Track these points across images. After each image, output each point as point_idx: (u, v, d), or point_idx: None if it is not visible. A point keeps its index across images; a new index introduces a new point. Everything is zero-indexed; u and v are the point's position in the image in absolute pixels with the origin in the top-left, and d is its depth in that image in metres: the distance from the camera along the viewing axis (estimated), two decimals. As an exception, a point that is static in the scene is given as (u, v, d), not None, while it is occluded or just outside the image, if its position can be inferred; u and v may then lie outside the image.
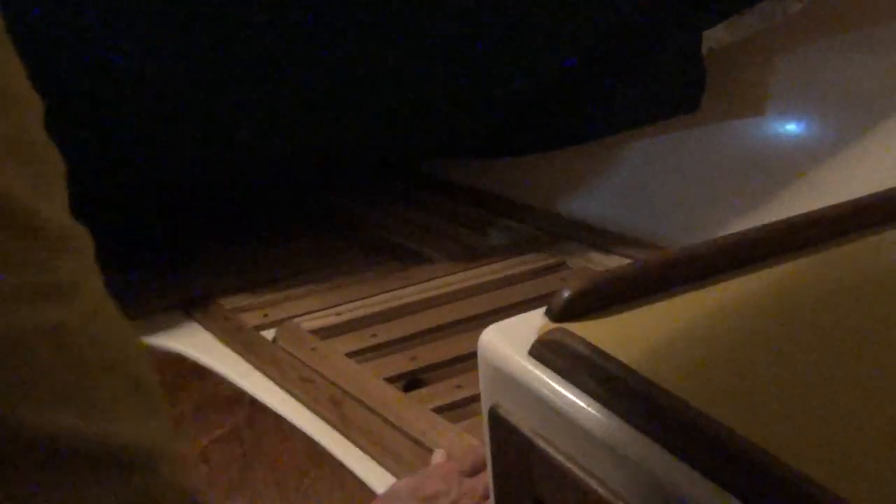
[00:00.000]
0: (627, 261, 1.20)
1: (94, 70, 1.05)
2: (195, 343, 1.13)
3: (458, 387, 0.97)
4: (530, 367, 0.47)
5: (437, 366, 1.04)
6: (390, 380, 1.00)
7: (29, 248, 0.27)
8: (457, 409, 0.94)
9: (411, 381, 1.02)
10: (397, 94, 1.28)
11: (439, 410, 0.93)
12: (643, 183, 1.46)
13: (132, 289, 1.26)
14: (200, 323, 1.18)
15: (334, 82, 1.20)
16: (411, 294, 1.21)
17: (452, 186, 1.69)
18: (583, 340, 0.47)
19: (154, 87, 1.09)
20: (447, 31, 1.19)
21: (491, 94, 1.37)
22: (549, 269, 1.30)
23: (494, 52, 1.27)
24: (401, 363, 1.04)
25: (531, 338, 0.49)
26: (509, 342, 0.50)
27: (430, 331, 1.12)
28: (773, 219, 0.57)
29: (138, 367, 0.31)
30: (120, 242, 1.36)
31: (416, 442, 0.86)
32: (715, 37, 1.28)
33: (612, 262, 1.30)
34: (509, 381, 0.48)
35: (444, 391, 0.98)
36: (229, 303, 1.22)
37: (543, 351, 0.48)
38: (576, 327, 0.49)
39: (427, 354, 1.06)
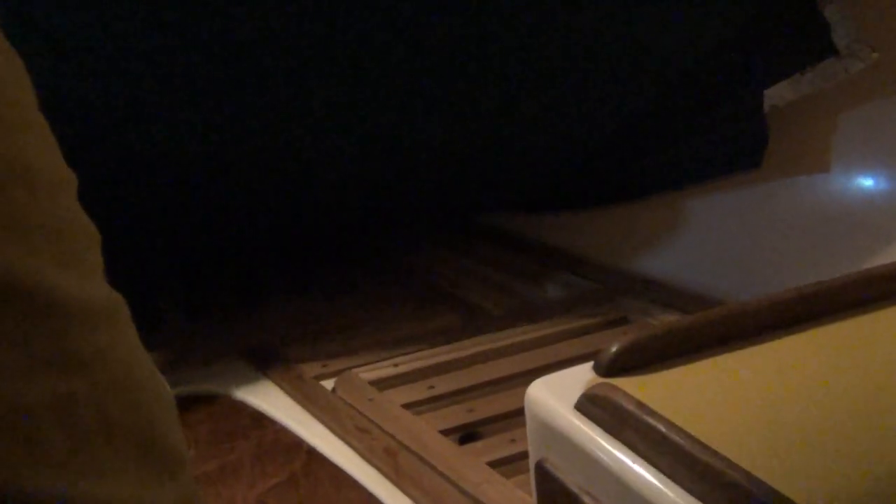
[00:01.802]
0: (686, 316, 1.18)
1: (161, 135, 1.09)
2: (256, 391, 1.15)
3: (513, 441, 0.97)
4: (576, 422, 0.48)
5: (493, 419, 1.04)
6: (446, 432, 1.00)
7: (41, 324, 0.28)
8: (511, 464, 0.93)
9: (467, 434, 1.02)
10: (459, 149, 1.31)
11: (494, 464, 0.92)
12: (706, 238, 1.44)
13: (197, 336, 1.30)
14: (261, 371, 1.21)
15: (396, 136, 1.23)
16: (469, 346, 1.21)
17: (511, 238, 1.70)
18: (629, 396, 0.47)
19: (220, 141, 1.14)
20: (506, 86, 1.21)
21: (551, 148, 1.38)
22: (608, 325, 1.29)
23: (554, 107, 1.28)
24: (457, 415, 1.05)
25: (578, 392, 0.49)
26: (556, 396, 0.50)
27: (487, 384, 1.12)
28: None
29: (155, 431, 0.32)
30: (186, 290, 1.41)
31: (470, 496, 0.86)
32: (778, 94, 1.28)
33: (672, 318, 1.29)
34: (555, 436, 0.49)
35: (499, 445, 0.97)
36: (290, 352, 1.24)
37: (589, 406, 0.48)
38: (623, 382, 0.49)
39: (483, 407, 1.06)
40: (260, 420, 1.11)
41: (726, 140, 1.33)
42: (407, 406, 1.07)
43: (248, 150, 1.16)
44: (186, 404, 1.13)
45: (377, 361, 1.19)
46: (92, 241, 0.33)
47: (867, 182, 1.27)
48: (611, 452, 0.45)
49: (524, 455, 0.93)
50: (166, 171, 1.14)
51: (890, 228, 1.21)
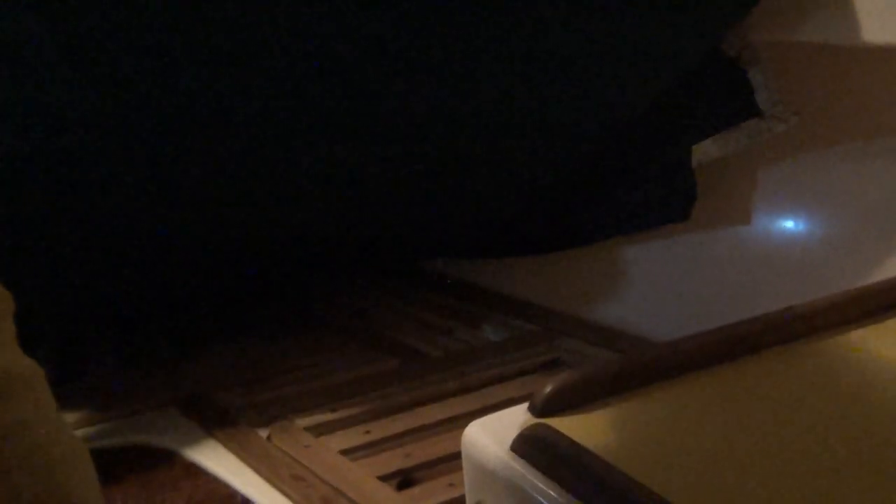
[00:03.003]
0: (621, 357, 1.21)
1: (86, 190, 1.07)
2: (188, 441, 1.12)
3: (451, 485, 0.96)
4: (511, 463, 0.48)
5: (430, 463, 1.03)
6: (384, 478, 0.99)
7: None
8: (450, 508, 0.93)
9: (405, 480, 1.01)
10: (401, 196, 1.31)
11: (432, 510, 0.91)
12: (640, 283, 1.49)
13: (128, 385, 1.26)
14: (195, 421, 1.18)
15: (337, 182, 1.23)
16: (406, 391, 1.21)
17: (450, 282, 1.70)
18: (563, 435, 0.48)
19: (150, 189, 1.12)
20: (449, 135, 1.22)
21: (491, 196, 1.40)
22: (545, 366, 1.30)
23: (494, 155, 1.30)
24: (394, 460, 1.04)
25: (514, 433, 0.50)
26: (492, 438, 0.50)
27: (424, 428, 1.12)
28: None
29: (71, 496, 0.32)
30: (116, 340, 1.37)
31: (408, 542, 0.85)
32: (705, 151, 1.35)
33: (606, 358, 1.31)
34: (492, 477, 0.49)
35: (437, 489, 0.97)
36: (224, 400, 1.22)
37: (524, 446, 0.48)
38: (558, 422, 0.50)
39: (421, 452, 1.05)
40: (192, 471, 1.08)
41: (658, 193, 1.39)
42: (344, 452, 1.05)
43: (185, 200, 1.14)
44: (116, 457, 1.09)
45: (314, 407, 1.17)
46: (5, 310, 0.32)
47: (785, 231, 1.35)
48: (546, 492, 0.45)
49: (462, 500, 0.93)
50: (96, 219, 1.12)
51: (806, 271, 1.29)
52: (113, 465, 1.06)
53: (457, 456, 1.00)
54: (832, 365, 0.54)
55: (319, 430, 1.11)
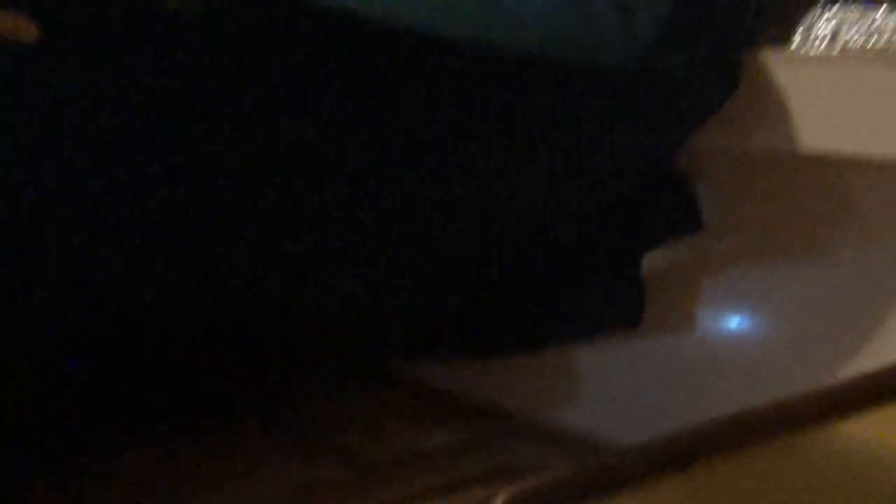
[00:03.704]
0: (573, 462, 1.19)
1: None
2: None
3: None
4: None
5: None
6: None
7: None
8: None
9: None
10: (335, 302, 1.29)
11: None
12: (591, 385, 1.50)
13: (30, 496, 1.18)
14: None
15: (274, 282, 1.21)
16: (349, 499, 1.16)
17: (396, 383, 1.67)
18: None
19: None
20: (387, 246, 1.21)
21: (434, 298, 1.39)
22: (494, 472, 1.27)
23: (435, 261, 1.30)
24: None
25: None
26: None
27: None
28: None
29: None
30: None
31: None
32: (653, 259, 1.40)
33: (558, 466, 1.28)
34: None
35: None
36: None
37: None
38: (505, 535, 0.47)
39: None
40: None
41: (607, 301, 1.42)
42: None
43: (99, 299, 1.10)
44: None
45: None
46: None
47: (731, 336, 1.42)
48: None
49: None
50: None
51: (754, 374, 1.33)
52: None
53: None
54: (783, 469, 0.53)
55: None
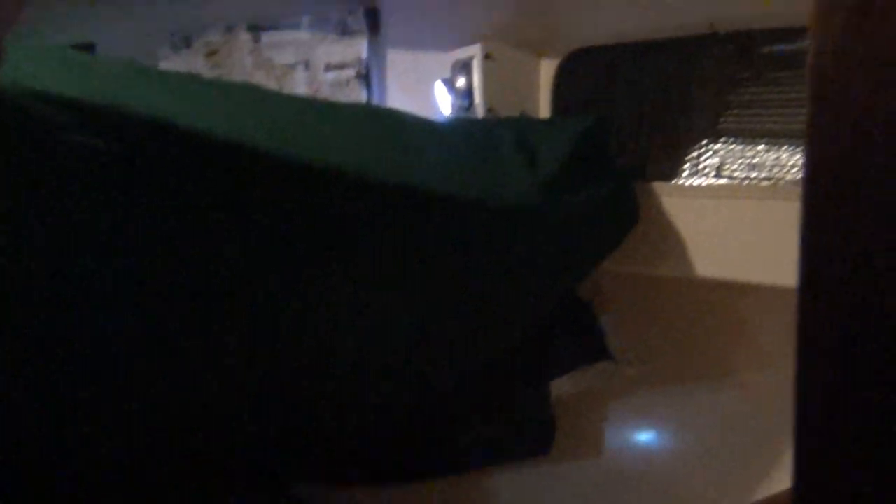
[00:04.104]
0: None
1: None
2: None
3: None
4: None
5: None
6: None
7: None
8: None
9: None
10: (259, 425, 1.23)
11: None
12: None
13: None
14: None
15: (192, 408, 1.14)
16: None
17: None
18: None
19: None
20: (306, 371, 1.18)
21: (355, 426, 1.35)
22: None
23: (353, 391, 1.26)
24: None
25: None
26: None
27: None
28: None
29: None
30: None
31: None
32: (562, 387, 1.46)
33: None
34: None
35: None
36: None
37: None
38: None
39: None
40: None
41: (518, 429, 1.42)
42: None
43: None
44: None
45: None
46: None
47: (638, 457, 1.43)
48: None
49: None
50: None
51: (661, 492, 1.36)
52: None
53: None
54: None
55: None
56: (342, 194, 0.96)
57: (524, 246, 1.18)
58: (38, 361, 0.96)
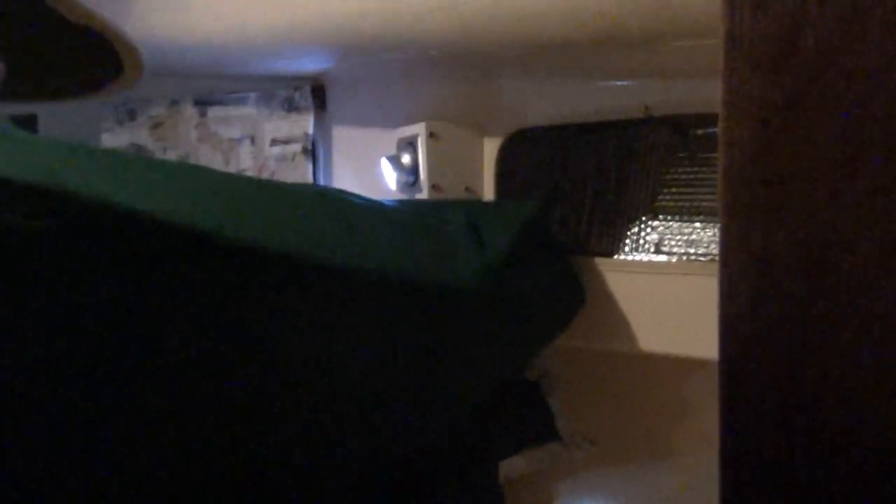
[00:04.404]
0: None
1: None
2: None
3: None
4: None
5: None
6: None
7: None
8: None
9: None
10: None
11: None
12: None
13: None
14: None
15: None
16: None
17: None
18: None
19: None
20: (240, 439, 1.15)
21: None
22: None
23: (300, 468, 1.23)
24: None
25: None
26: None
27: None
28: None
29: None
30: None
31: None
32: (512, 466, 1.44)
33: None
34: None
35: None
36: None
37: None
38: None
39: None
40: None
41: None
42: None
43: None
44: None
45: None
46: None
47: None
48: None
49: None
50: None
51: None
52: None
53: None
54: None
55: None
56: (289, 278, 0.96)
57: (471, 327, 1.18)
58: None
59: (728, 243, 0.58)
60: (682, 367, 1.37)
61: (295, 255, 0.95)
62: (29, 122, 2.45)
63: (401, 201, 1.43)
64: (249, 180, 1.13)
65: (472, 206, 1.41)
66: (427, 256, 1.14)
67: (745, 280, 0.57)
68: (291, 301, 0.99)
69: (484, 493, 1.38)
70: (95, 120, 2.32)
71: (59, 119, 2.42)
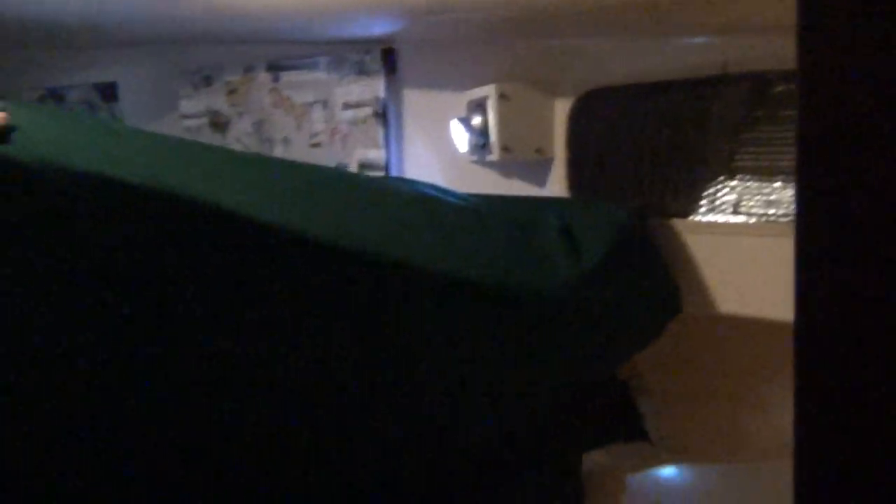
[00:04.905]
0: None
1: None
2: None
3: None
4: None
5: None
6: None
7: None
8: None
9: None
10: None
11: None
12: None
13: None
14: None
15: None
16: None
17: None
18: None
19: None
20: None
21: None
22: None
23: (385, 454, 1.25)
24: None
25: None
26: None
27: None
28: None
29: None
30: None
31: None
32: (595, 459, 1.45)
33: None
34: None
35: None
36: None
37: None
38: None
39: None
40: None
41: (548, 495, 1.39)
42: None
43: None
44: None
45: None
46: None
47: None
48: None
49: None
50: None
51: None
52: None
53: None
54: None
55: None
56: (377, 280, 0.96)
57: (559, 334, 1.18)
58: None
59: (804, 206, 0.56)
60: (771, 370, 1.35)
61: (396, 263, 0.96)
62: (110, 89, 2.52)
63: (492, 198, 1.41)
64: (353, 181, 1.13)
65: (566, 208, 1.38)
66: (520, 265, 1.14)
67: (821, 243, 0.55)
68: (395, 306, 1.00)
69: (565, 480, 1.40)
70: (173, 86, 2.38)
71: (138, 86, 2.48)
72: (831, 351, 0.56)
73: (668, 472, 1.53)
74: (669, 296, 1.36)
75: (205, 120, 2.36)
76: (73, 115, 0.91)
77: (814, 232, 0.56)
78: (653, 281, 1.33)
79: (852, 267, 0.54)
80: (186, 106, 2.37)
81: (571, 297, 1.14)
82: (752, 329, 1.41)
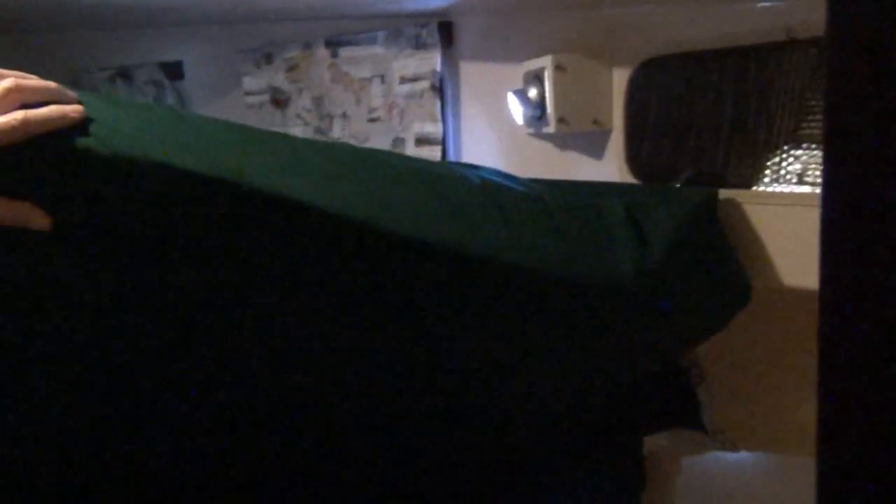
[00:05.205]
0: None
1: None
2: None
3: None
4: None
5: None
6: None
7: None
8: None
9: None
10: None
11: None
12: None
13: None
14: None
15: None
16: None
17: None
18: None
19: None
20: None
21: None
22: None
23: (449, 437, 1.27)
24: None
25: None
26: None
27: None
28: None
29: None
30: None
31: None
32: (656, 442, 1.46)
33: None
34: None
35: None
36: None
37: None
38: None
39: None
40: None
41: (609, 479, 1.40)
42: None
43: None
44: None
45: None
46: None
47: None
48: None
49: None
50: None
51: None
52: None
53: None
54: None
55: None
56: (440, 270, 0.97)
57: (623, 324, 1.16)
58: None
59: (831, 178, 0.54)
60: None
61: (457, 251, 0.96)
62: (176, 68, 2.58)
63: (555, 184, 1.39)
64: (426, 172, 1.12)
65: (633, 193, 1.35)
66: (585, 255, 1.13)
67: (847, 218, 0.54)
68: (456, 294, 1.00)
69: (626, 459, 1.41)
70: (235, 64, 2.42)
71: (202, 65, 2.53)
72: (857, 330, 0.54)
73: (721, 454, 1.52)
74: (739, 288, 1.32)
75: (266, 97, 2.40)
76: (146, 105, 0.91)
77: (840, 207, 0.54)
78: (722, 270, 1.30)
79: (881, 246, 0.52)
80: (249, 83, 2.41)
81: (635, 291, 1.13)
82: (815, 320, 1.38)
